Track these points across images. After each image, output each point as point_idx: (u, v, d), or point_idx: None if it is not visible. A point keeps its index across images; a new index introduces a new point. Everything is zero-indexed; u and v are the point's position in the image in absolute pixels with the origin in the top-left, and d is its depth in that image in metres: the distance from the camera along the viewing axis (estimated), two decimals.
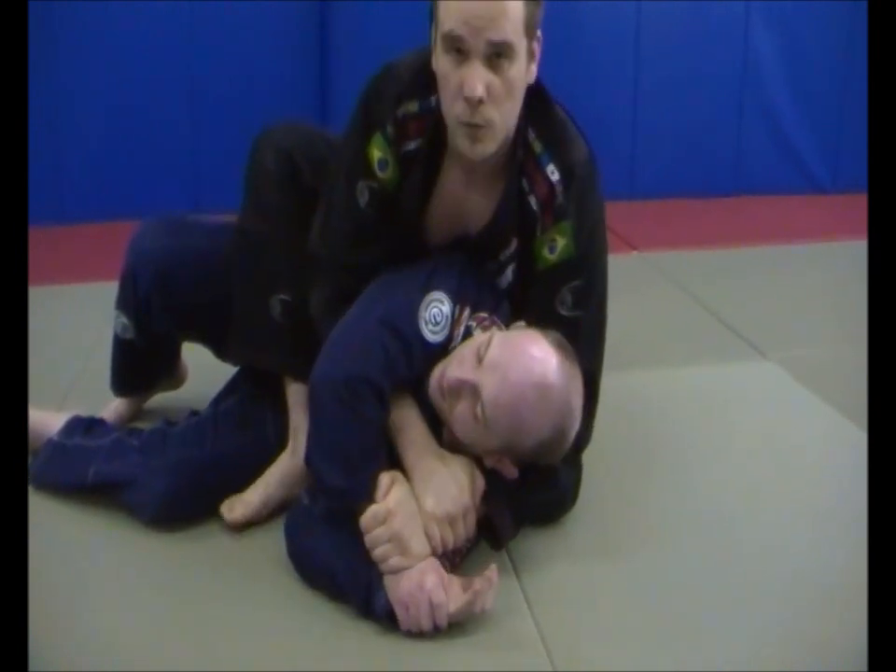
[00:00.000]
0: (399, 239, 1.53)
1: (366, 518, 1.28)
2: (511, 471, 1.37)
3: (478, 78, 1.30)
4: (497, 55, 1.31)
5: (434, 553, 1.31)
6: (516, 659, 1.27)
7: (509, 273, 1.53)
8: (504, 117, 1.36)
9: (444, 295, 1.41)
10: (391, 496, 1.29)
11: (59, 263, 2.95)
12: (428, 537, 1.31)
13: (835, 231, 3.51)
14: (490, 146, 1.38)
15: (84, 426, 1.69)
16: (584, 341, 1.47)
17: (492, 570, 1.29)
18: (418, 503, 1.32)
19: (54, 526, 1.56)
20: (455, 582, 1.29)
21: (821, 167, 4.15)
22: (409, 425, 1.38)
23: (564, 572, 1.46)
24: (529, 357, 1.32)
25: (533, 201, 1.46)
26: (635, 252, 3.32)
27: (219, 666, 1.25)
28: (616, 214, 3.79)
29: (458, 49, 1.31)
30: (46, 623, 1.30)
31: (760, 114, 4.03)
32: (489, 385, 1.29)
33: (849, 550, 1.50)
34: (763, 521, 1.61)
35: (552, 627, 1.33)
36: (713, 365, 2.27)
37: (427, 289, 1.41)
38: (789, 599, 1.40)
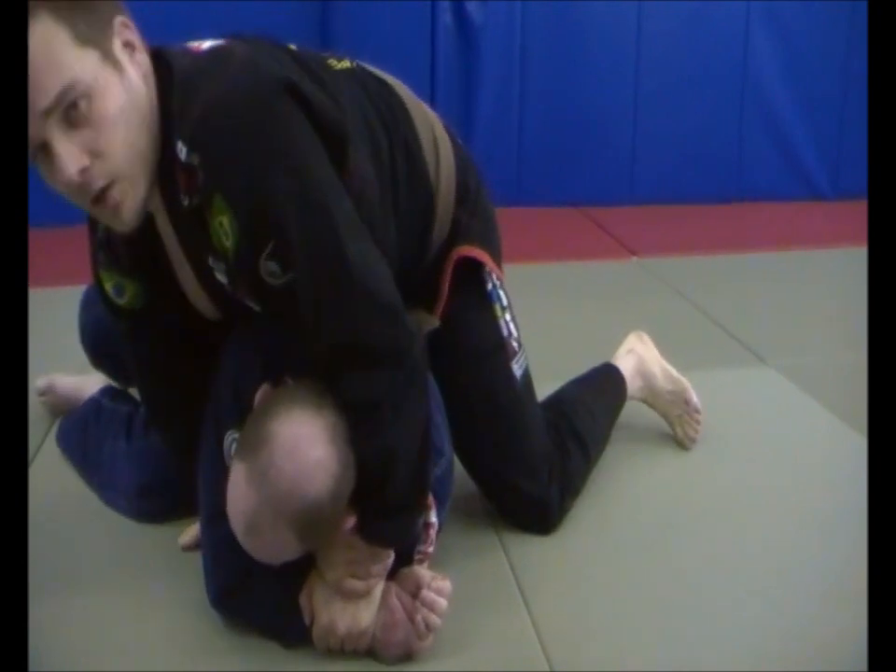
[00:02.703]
0: (186, 343, 1.40)
1: (315, 643, 1.28)
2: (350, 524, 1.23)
3: (66, 157, 1.05)
4: (71, 107, 1.04)
5: (374, 577, 1.26)
6: (514, 661, 1.27)
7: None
8: (123, 150, 1.09)
9: (235, 432, 1.26)
10: (318, 613, 1.27)
11: (60, 266, 2.95)
12: (352, 586, 1.25)
13: (835, 237, 3.51)
14: (133, 202, 1.14)
15: (112, 392, 1.82)
16: (314, 308, 1.12)
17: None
18: (325, 579, 1.27)
19: (55, 526, 1.57)
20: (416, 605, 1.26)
21: (822, 174, 4.16)
22: None
23: (562, 574, 1.46)
24: (231, 513, 1.16)
25: (185, 199, 1.13)
26: (634, 258, 3.32)
27: (219, 667, 1.25)
28: (615, 219, 3.84)
29: (40, 147, 1.07)
30: (46, 623, 1.31)
31: (760, 120, 4.04)
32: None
33: (849, 552, 1.50)
34: (762, 524, 1.61)
35: (550, 629, 1.33)
36: (712, 371, 2.27)
37: (220, 431, 1.30)
38: (789, 599, 1.41)
